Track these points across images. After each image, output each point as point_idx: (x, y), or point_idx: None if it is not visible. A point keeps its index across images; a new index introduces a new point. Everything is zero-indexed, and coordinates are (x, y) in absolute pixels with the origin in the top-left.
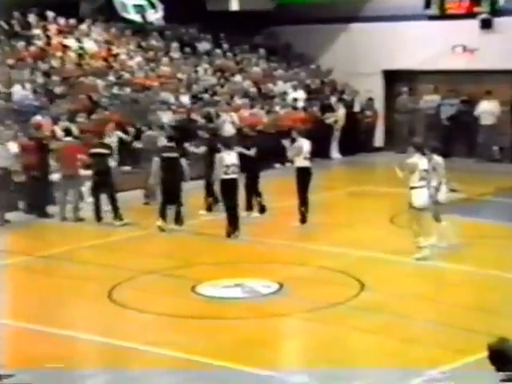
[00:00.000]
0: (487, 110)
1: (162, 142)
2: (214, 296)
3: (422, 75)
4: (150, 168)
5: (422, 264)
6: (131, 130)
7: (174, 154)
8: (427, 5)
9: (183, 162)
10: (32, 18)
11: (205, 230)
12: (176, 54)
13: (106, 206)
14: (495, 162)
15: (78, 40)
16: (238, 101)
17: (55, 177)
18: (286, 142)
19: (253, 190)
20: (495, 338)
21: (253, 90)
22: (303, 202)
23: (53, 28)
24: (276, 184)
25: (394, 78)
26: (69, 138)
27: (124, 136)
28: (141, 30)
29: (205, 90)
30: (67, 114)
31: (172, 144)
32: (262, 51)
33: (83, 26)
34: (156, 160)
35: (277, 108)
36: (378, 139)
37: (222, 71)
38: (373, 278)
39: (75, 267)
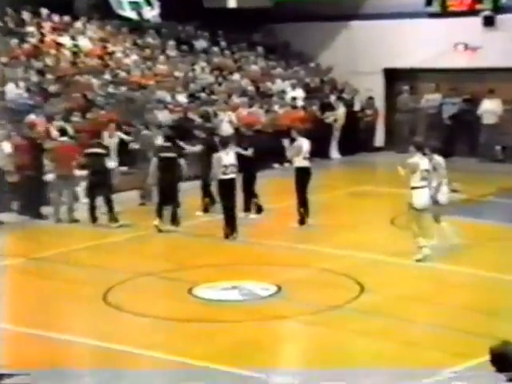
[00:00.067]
0: (490, 108)
1: (159, 141)
2: (212, 298)
3: (424, 74)
4: (147, 168)
5: (422, 266)
6: (131, 130)
7: (172, 154)
8: (428, 2)
9: (182, 161)
10: (26, 15)
11: (202, 232)
12: (173, 52)
13: (101, 207)
14: (497, 162)
15: (73, 38)
16: (235, 100)
17: (49, 177)
18: (285, 142)
19: (249, 191)
20: (497, 341)
21: (251, 88)
22: (302, 202)
23: (47, 25)
24: (274, 184)
25: (394, 77)
26: (64, 138)
27: (125, 137)
28: (137, 27)
29: (202, 89)
30: (62, 113)
31: (169, 144)
32: (260, 49)
33: (78, 24)
34: (153, 160)
35: (275, 107)
36: (379, 139)
37: (219, 69)
38: (373, 281)
39: (70, 269)
